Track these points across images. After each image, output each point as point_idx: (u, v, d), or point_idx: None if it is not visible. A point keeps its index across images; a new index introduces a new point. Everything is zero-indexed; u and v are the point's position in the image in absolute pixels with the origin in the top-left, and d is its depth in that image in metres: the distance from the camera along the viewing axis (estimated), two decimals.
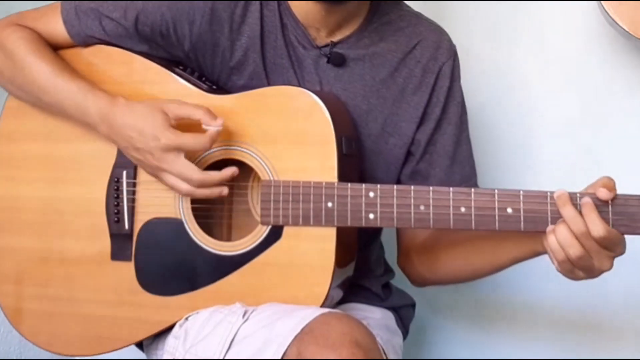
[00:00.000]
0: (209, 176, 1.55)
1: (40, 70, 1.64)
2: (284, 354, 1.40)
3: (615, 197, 1.42)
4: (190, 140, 1.54)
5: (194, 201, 1.61)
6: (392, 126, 1.68)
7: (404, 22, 1.71)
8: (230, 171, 1.55)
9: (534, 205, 1.44)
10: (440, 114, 1.69)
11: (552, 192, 1.44)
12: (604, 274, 1.89)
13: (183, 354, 1.55)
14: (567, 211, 1.42)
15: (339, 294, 1.63)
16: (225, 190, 1.56)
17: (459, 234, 1.64)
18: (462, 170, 1.71)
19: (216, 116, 1.55)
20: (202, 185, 1.55)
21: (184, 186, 1.55)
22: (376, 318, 1.73)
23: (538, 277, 2.13)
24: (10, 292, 1.72)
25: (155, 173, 1.59)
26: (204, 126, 1.55)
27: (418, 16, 1.74)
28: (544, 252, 1.49)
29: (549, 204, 1.44)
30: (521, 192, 1.45)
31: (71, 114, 1.65)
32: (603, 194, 1.41)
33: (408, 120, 1.68)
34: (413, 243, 1.73)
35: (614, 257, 1.45)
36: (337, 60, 1.66)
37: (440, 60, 1.70)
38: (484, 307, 2.24)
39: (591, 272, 1.47)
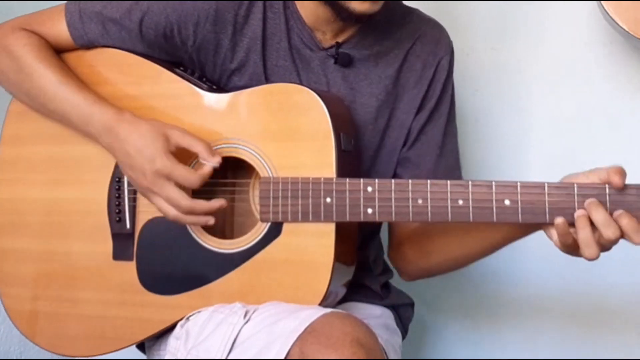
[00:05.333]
0: (197, 205, 1.56)
1: (47, 78, 1.66)
2: (287, 354, 1.40)
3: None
4: (182, 172, 1.56)
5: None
6: (394, 120, 1.71)
7: (405, 19, 1.74)
8: (218, 203, 1.56)
9: (532, 197, 1.44)
10: (434, 105, 1.72)
11: (549, 183, 1.44)
12: (606, 274, 1.89)
13: (185, 354, 1.55)
14: (599, 215, 1.41)
15: (343, 291, 1.63)
16: (211, 220, 1.57)
17: None
18: (447, 162, 1.73)
19: (215, 153, 1.57)
20: (189, 212, 1.56)
21: (172, 211, 1.57)
22: (376, 317, 1.73)
23: (539, 276, 2.13)
24: (14, 293, 1.73)
25: (146, 193, 1.60)
26: (201, 160, 1.57)
27: (418, 13, 1.77)
28: (538, 229, 1.49)
29: (546, 195, 1.44)
30: (518, 183, 1.45)
31: (75, 122, 1.66)
32: (617, 180, 1.42)
33: (407, 113, 1.71)
34: (406, 231, 1.73)
35: None
36: (345, 61, 1.68)
37: (439, 54, 1.73)
38: (483, 306, 2.24)
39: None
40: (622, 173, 1.42)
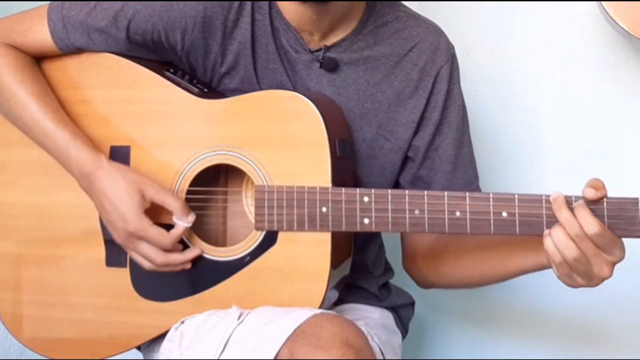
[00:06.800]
0: (171, 259, 1.58)
1: (25, 108, 1.64)
2: (276, 354, 1.40)
3: (605, 197, 1.40)
4: (154, 234, 1.57)
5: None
6: (387, 130, 1.66)
7: (400, 24, 1.68)
8: (192, 253, 1.59)
9: (529, 209, 1.43)
10: (439, 118, 1.67)
11: (547, 196, 1.43)
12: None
13: (178, 355, 1.55)
14: (563, 214, 1.40)
15: (335, 295, 1.62)
16: (187, 266, 1.59)
17: (465, 241, 1.63)
18: (465, 174, 1.69)
19: (189, 212, 1.58)
20: (165, 266, 1.59)
21: (147, 265, 1.60)
22: (374, 318, 1.72)
23: (539, 277, 2.11)
24: (6, 298, 1.72)
25: (123, 246, 1.62)
26: (174, 219, 1.57)
27: (416, 17, 1.70)
28: (549, 265, 1.48)
29: (544, 208, 1.42)
30: (516, 195, 1.44)
31: (54, 157, 1.65)
32: (589, 193, 1.39)
33: (404, 125, 1.66)
34: (419, 247, 1.72)
35: (613, 264, 1.42)
36: (330, 65, 1.64)
37: (438, 63, 1.67)
38: (484, 306, 2.24)
39: (590, 279, 1.44)
40: (594, 186, 1.40)
